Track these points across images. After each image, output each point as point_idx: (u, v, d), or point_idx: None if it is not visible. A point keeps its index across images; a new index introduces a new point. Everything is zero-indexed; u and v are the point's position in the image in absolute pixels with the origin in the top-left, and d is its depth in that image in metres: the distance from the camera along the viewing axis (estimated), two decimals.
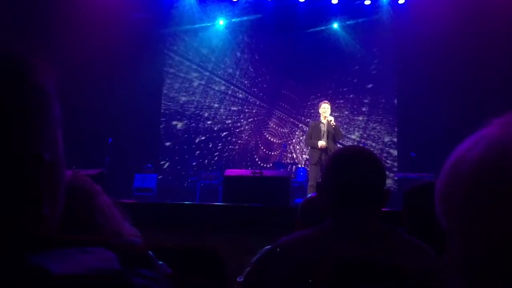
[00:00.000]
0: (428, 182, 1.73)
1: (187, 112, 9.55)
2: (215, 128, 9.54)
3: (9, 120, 0.50)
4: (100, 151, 7.07)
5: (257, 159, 9.47)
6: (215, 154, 9.47)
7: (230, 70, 9.66)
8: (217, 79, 9.64)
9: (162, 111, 9.50)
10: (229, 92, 9.64)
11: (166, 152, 9.43)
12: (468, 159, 0.59)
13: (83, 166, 4.91)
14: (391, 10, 9.11)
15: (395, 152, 9.33)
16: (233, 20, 9.41)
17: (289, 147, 9.49)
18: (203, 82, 9.62)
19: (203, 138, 9.50)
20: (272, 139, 9.56)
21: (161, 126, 9.48)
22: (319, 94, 9.31)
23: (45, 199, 0.54)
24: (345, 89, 9.53)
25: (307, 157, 7.80)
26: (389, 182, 8.69)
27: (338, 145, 6.27)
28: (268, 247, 1.30)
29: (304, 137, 7.62)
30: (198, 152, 9.44)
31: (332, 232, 1.19)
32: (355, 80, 9.51)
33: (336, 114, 8.50)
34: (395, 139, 9.36)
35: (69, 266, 0.49)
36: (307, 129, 7.12)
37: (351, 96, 9.53)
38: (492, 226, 0.55)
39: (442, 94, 8.24)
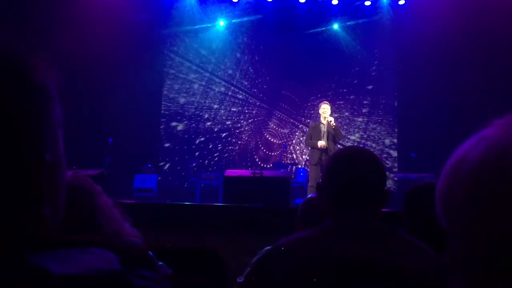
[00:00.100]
0: (428, 183, 1.73)
1: (187, 113, 9.55)
2: (215, 129, 9.54)
3: (10, 120, 0.50)
4: (100, 152, 7.08)
5: (257, 160, 9.47)
6: (215, 154, 9.47)
7: (230, 71, 9.66)
8: (217, 80, 9.64)
9: (162, 111, 9.50)
10: (229, 93, 9.64)
11: (166, 153, 9.43)
12: (468, 160, 0.59)
13: (84, 166, 4.92)
14: (391, 11, 9.11)
15: (395, 153, 9.33)
16: (233, 21, 9.41)
17: (289, 148, 9.49)
18: (203, 83, 9.62)
19: (203, 138, 9.50)
20: (272, 140, 9.56)
21: (161, 127, 9.47)
22: (319, 95, 9.31)
23: (46, 199, 0.54)
24: (345, 90, 9.53)
25: (307, 157, 7.81)
26: (389, 182, 8.68)
27: (338, 146, 6.27)
28: (268, 247, 1.30)
29: (304, 137, 7.61)
30: (198, 152, 9.43)
31: (332, 233, 1.19)
32: (355, 81, 9.52)
33: (336, 115, 8.50)
34: (395, 140, 9.35)
35: (69, 266, 0.49)
36: (307, 129, 7.12)
37: (351, 97, 9.53)
38: (492, 226, 0.55)
39: (442, 94, 8.24)
